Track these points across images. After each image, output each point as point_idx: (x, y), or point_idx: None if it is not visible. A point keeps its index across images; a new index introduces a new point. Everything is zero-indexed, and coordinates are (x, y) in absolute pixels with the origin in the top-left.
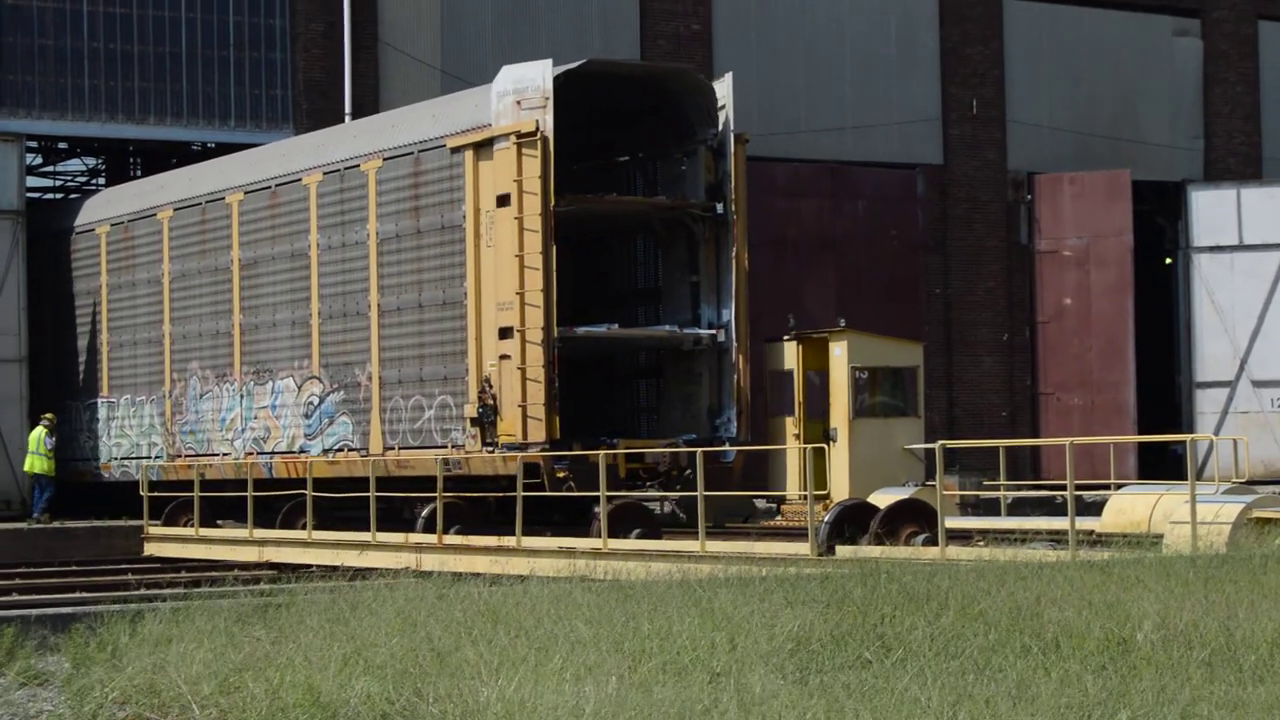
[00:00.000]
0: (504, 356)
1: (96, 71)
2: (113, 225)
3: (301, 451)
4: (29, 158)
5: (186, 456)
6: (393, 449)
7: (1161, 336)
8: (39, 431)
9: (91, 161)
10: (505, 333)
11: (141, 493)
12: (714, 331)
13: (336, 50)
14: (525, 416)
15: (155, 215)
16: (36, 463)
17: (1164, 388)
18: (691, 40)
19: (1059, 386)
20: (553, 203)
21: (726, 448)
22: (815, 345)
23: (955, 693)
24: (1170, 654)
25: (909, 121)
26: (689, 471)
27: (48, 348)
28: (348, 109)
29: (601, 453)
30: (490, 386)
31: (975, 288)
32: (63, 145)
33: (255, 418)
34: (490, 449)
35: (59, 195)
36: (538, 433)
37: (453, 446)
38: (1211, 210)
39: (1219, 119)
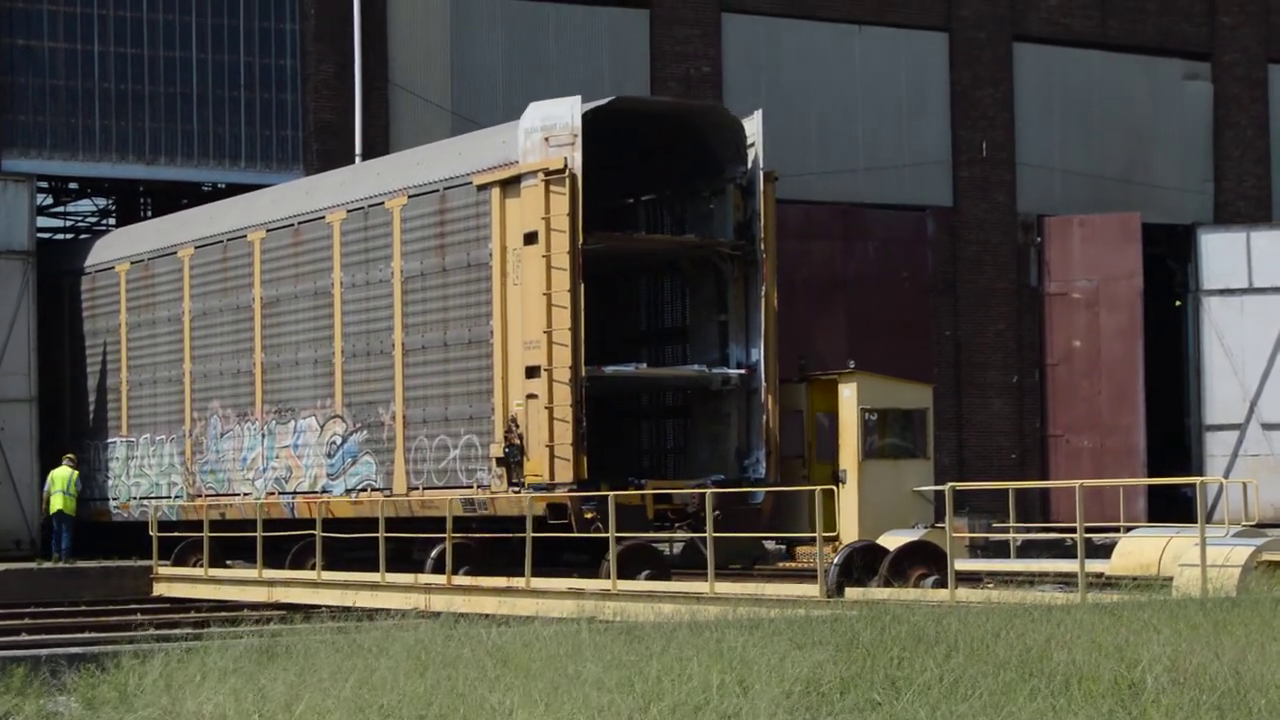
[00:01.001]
0: (531, 396)
1: (107, 112)
2: (133, 263)
3: (324, 491)
4: (39, 198)
5: (207, 496)
6: (417, 489)
7: (1171, 379)
8: (69, 472)
9: (102, 202)
10: (532, 372)
11: (151, 532)
12: (743, 371)
13: (347, 91)
14: (552, 456)
15: (176, 253)
16: (68, 504)
17: (1174, 430)
18: (702, 82)
19: (1068, 429)
20: (581, 241)
21: (755, 489)
22: (825, 387)
23: None
24: (1180, 697)
25: (919, 164)
26: (718, 513)
27: (66, 386)
28: (358, 150)
29: (611, 494)
30: (517, 426)
31: (985, 330)
32: (73, 185)
33: (277, 457)
34: (516, 489)
35: (69, 235)
36: (565, 473)
37: (478, 487)
38: (1222, 253)
39: (1229, 162)
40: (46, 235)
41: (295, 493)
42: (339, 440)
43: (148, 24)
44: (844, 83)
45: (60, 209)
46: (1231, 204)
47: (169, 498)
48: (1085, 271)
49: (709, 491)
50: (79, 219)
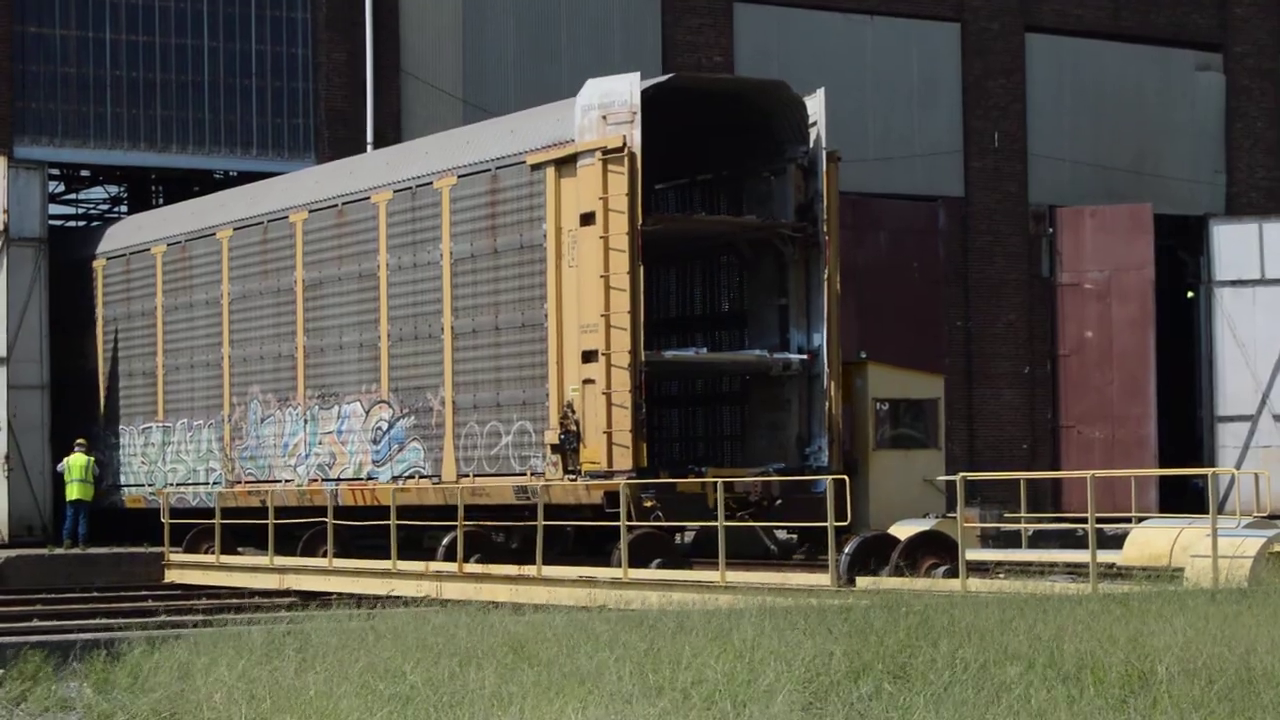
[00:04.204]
0: (588, 381)
1: (119, 100)
2: (169, 245)
3: (369, 478)
4: (51, 185)
5: (247, 483)
6: (467, 476)
7: (1183, 370)
8: (85, 459)
9: (114, 189)
10: (589, 356)
11: (163, 519)
12: (804, 357)
13: (359, 79)
14: (610, 443)
15: (214, 235)
16: (86, 491)
17: (1185, 421)
18: (713, 72)
19: (1080, 420)
20: (640, 221)
21: (813, 477)
22: None
23: None
24: (1191, 688)
25: (931, 154)
26: (779, 501)
27: (97, 372)
28: (369, 138)
29: (623, 483)
30: (573, 412)
31: (996, 320)
32: (85, 173)
33: (320, 443)
34: (572, 477)
35: (80, 223)
36: (624, 460)
37: (532, 474)
38: (1233, 244)
39: (1241, 153)
40: (58, 223)
41: (339, 479)
42: (385, 426)
43: (159, 11)
44: (855, 73)
45: (72, 196)
46: (1243, 195)
47: (207, 484)
48: (1097, 262)
49: (719, 481)
50: (90, 206)
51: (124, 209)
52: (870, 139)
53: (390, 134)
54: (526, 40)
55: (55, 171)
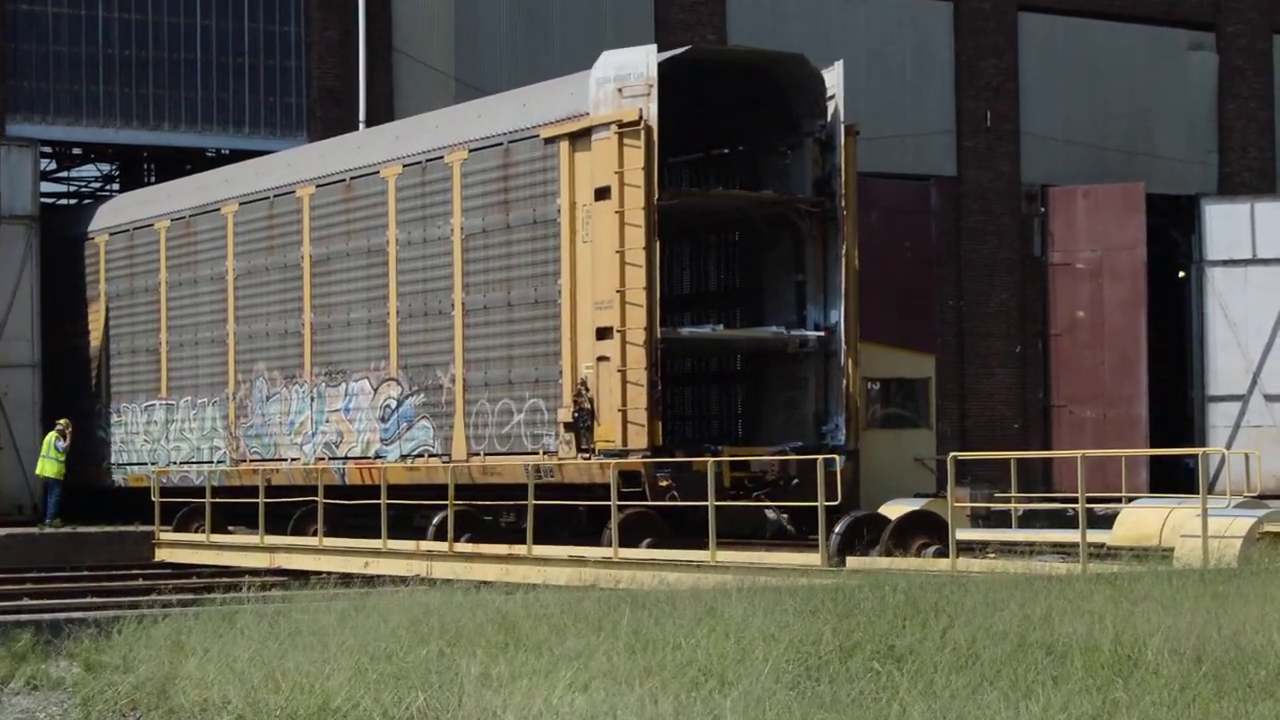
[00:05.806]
0: (602, 358)
1: (111, 78)
2: (173, 220)
3: (377, 457)
4: (43, 163)
5: (252, 461)
6: (477, 455)
7: (1174, 350)
8: (50, 435)
9: (106, 167)
10: (603, 333)
11: (153, 498)
12: (821, 333)
13: (351, 58)
14: (625, 421)
15: (219, 210)
16: (48, 466)
17: (1176, 401)
18: None
19: (1071, 399)
20: (656, 196)
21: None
22: None
23: (963, 704)
24: (1179, 668)
25: (923, 134)
26: (796, 480)
27: (99, 349)
28: (362, 116)
29: (614, 461)
30: (587, 390)
31: (988, 300)
32: (77, 151)
33: (327, 421)
34: (586, 455)
35: (72, 201)
36: (639, 439)
37: (544, 453)
38: (1225, 224)
39: (1233, 133)
40: (49, 201)
41: (347, 458)
42: (394, 404)
43: None
44: (848, 52)
45: (64, 174)
46: (1235, 175)
47: (211, 462)
48: (1089, 242)
49: (724, 461)
50: (82, 184)
51: (115, 187)
52: (863, 118)
53: (382, 113)
54: (519, 19)
55: (47, 149)
